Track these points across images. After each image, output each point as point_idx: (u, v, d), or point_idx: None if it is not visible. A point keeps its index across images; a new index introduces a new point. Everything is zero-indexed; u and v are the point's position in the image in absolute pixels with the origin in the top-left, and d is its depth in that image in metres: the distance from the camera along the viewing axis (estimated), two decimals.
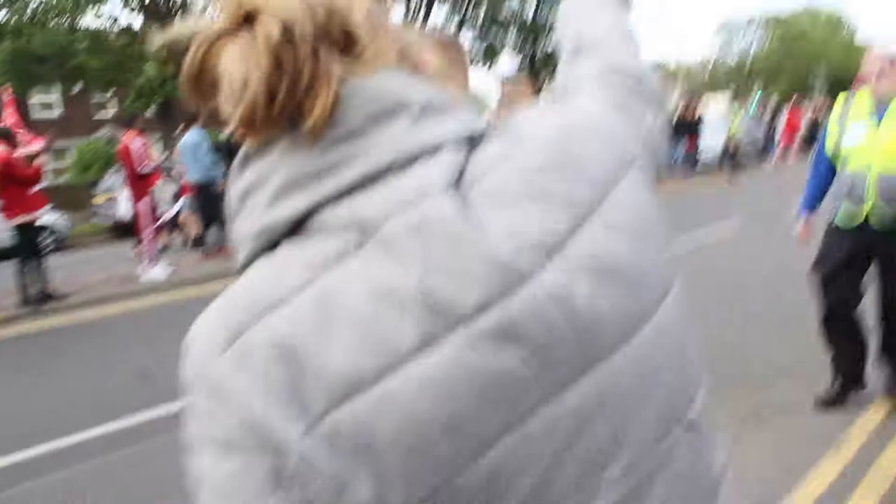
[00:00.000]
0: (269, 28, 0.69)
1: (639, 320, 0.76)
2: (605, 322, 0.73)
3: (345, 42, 0.74)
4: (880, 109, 4.12)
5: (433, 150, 0.75)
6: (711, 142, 23.34)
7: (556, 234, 0.73)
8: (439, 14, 34.85)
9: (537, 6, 34.17)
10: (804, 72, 60.37)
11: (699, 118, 22.90)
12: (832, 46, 65.32)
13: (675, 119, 22.20)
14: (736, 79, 66.52)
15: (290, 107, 0.71)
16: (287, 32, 0.69)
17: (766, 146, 26.94)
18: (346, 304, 0.69)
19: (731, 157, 21.47)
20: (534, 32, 34.30)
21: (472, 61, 35.76)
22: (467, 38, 35.60)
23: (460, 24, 34.64)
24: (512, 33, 35.11)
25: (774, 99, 33.93)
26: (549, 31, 33.74)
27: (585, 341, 0.72)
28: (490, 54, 35.44)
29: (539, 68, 34.19)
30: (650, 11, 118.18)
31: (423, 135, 0.75)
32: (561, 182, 0.76)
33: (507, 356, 0.69)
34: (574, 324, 0.71)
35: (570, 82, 1.00)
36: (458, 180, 0.74)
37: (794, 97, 29.34)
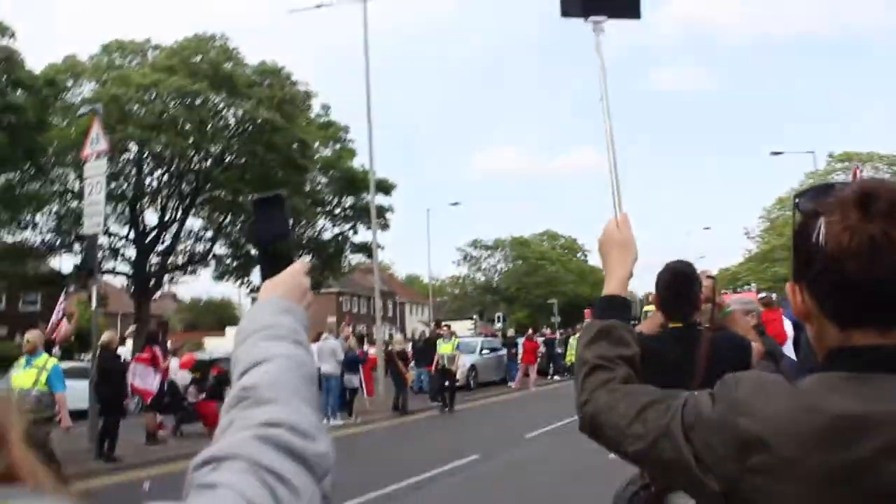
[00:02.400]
0: None
1: None
2: None
3: None
4: None
5: None
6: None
7: None
8: (195, 224, 34.65)
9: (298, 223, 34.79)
10: (544, 293, 65.20)
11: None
12: (569, 268, 71.66)
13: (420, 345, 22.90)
14: (481, 301, 70.54)
15: None
16: None
17: (508, 368, 28.52)
18: None
19: (444, 385, 21.05)
20: (296, 248, 34.93)
21: (224, 275, 35.50)
22: (221, 250, 35.51)
23: (214, 237, 34.62)
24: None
25: (513, 324, 36.39)
26: (310, 248, 34.42)
27: None
28: (243, 269, 35.42)
29: None
30: (400, 232, 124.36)
31: None
32: None
33: None
34: None
35: (217, 451, 0.93)
36: None
37: (530, 330, 31.58)
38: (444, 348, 21.28)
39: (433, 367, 21.47)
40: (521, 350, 28.03)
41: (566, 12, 2.53)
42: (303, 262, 1.33)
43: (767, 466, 1.21)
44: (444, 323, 26.82)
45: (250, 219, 1.47)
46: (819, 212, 1.28)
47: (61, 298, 15.64)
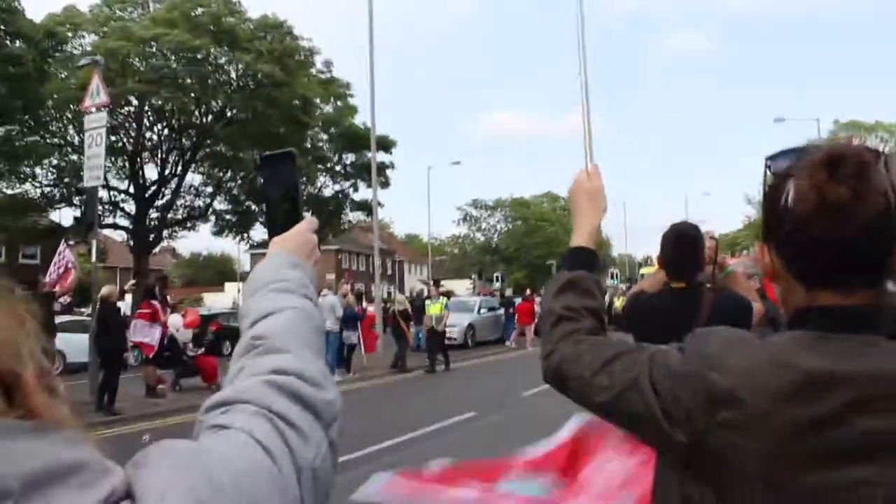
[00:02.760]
0: None
1: None
2: None
3: None
4: None
5: None
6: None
7: None
8: (194, 179, 34.53)
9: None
10: (544, 253, 65.27)
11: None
12: (569, 229, 71.49)
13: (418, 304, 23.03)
14: (480, 261, 70.56)
15: None
16: None
17: (506, 328, 28.66)
18: None
19: (435, 345, 20.88)
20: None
21: (223, 231, 35.48)
22: (221, 206, 35.44)
23: (214, 193, 34.54)
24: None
25: (512, 284, 36.45)
26: (310, 205, 34.30)
27: None
28: (242, 225, 35.37)
29: None
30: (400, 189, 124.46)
31: None
32: None
33: None
34: None
35: (228, 395, 0.95)
36: None
37: (528, 291, 31.79)
38: (431, 309, 21.19)
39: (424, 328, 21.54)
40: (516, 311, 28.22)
41: None
42: (310, 220, 1.36)
43: (737, 421, 1.23)
44: (438, 282, 26.88)
45: (259, 175, 1.47)
46: (790, 174, 1.30)
47: (60, 248, 15.60)
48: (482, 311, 28.79)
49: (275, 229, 1.35)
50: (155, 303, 14.70)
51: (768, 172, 1.41)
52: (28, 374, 0.76)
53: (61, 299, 14.64)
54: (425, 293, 24.00)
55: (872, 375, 1.20)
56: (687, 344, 1.36)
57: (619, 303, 36.57)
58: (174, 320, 15.89)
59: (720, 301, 3.54)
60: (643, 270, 41.07)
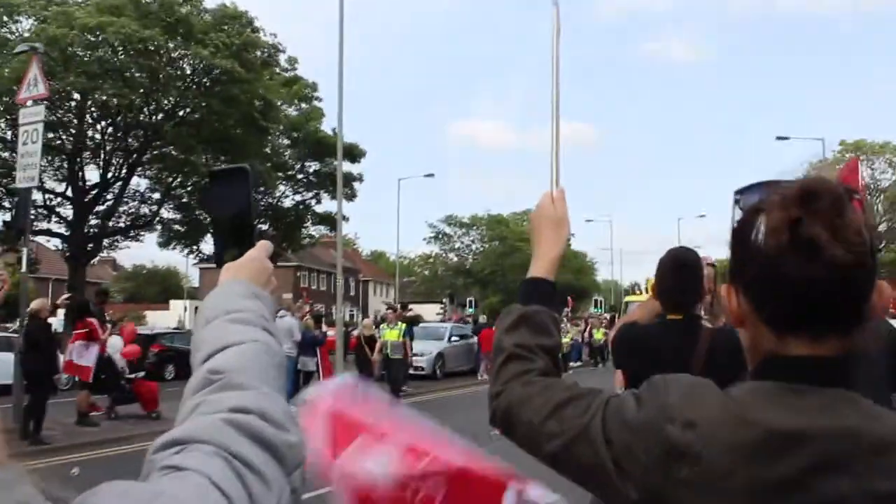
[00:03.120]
0: None
1: None
2: None
3: None
4: None
5: None
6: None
7: None
8: (141, 183, 34.26)
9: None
10: (521, 277, 65.36)
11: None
12: None
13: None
14: (453, 283, 70.50)
15: None
16: None
17: (478, 358, 28.69)
18: None
19: (397, 376, 20.92)
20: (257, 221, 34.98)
21: (171, 242, 35.24)
22: (169, 214, 35.20)
23: (162, 199, 34.31)
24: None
25: (486, 310, 36.50)
26: (268, 217, 34.21)
27: None
28: (191, 236, 35.16)
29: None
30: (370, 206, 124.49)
31: None
32: None
33: None
34: None
35: (182, 434, 0.95)
36: None
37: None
38: (388, 334, 20.98)
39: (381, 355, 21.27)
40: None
41: None
42: (264, 244, 1.35)
43: (695, 479, 1.23)
44: (406, 305, 26.85)
45: (208, 192, 1.47)
46: (760, 208, 1.30)
47: None
48: (453, 338, 28.76)
49: (224, 252, 1.34)
50: (92, 320, 14.47)
51: (738, 207, 1.41)
52: None
53: None
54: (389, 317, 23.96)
55: (845, 434, 1.20)
56: (644, 391, 1.36)
57: (598, 334, 36.60)
58: (113, 342, 15.67)
59: (719, 335, 3.51)
60: (628, 299, 41.31)
